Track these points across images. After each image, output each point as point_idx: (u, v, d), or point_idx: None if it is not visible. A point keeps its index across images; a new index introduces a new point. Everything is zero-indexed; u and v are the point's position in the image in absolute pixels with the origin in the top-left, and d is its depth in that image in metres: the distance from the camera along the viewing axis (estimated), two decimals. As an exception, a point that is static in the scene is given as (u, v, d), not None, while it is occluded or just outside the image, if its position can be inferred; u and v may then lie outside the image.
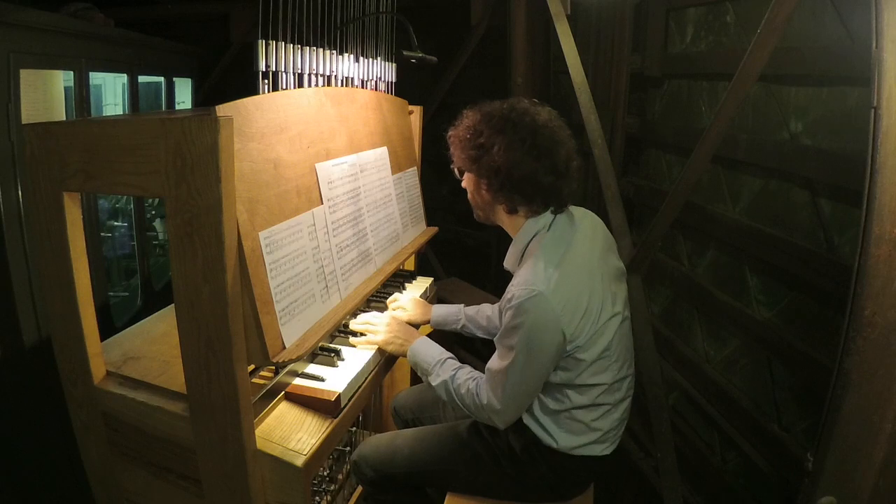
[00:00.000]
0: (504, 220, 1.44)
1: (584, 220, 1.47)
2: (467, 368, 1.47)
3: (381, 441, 1.63)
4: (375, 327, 1.59)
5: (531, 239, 1.39)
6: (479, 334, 1.82)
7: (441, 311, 1.84)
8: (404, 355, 1.57)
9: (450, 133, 1.45)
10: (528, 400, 1.39)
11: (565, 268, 1.30)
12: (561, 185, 1.35)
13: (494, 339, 1.39)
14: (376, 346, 1.56)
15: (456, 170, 1.49)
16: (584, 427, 1.41)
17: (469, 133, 1.38)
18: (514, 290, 1.29)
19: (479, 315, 1.81)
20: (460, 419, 1.62)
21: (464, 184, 1.48)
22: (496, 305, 1.79)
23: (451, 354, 1.52)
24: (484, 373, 1.40)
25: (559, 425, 1.41)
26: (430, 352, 1.52)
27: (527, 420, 1.45)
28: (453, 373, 1.46)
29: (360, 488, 2.04)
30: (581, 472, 1.47)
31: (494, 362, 1.37)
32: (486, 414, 1.38)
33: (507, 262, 1.46)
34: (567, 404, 1.39)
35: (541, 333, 1.27)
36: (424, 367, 1.50)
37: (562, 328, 1.27)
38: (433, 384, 1.48)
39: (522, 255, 1.40)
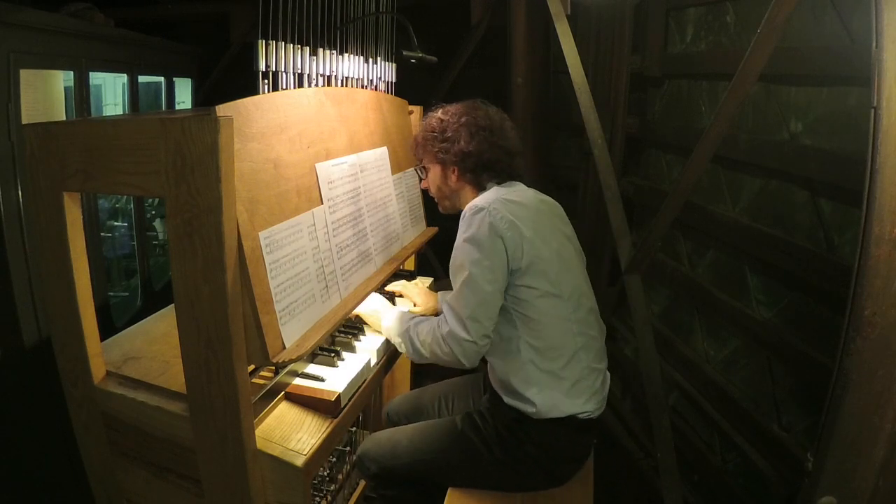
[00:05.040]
0: (470, 200, 1.56)
1: (543, 196, 1.62)
2: (435, 318, 1.52)
3: (382, 436, 1.67)
4: (384, 312, 1.67)
5: (486, 193, 1.56)
6: None
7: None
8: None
9: (416, 137, 1.67)
10: (487, 319, 1.39)
11: (510, 198, 1.47)
12: (515, 163, 1.60)
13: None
14: (362, 343, 1.62)
15: (419, 170, 1.71)
16: (554, 377, 1.43)
17: (433, 133, 1.60)
18: (462, 213, 1.48)
19: None
20: (456, 415, 1.63)
21: (423, 184, 1.70)
22: None
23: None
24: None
25: (529, 382, 1.44)
26: (403, 319, 1.59)
27: (507, 400, 1.48)
28: (418, 320, 1.53)
29: (360, 488, 2.04)
30: (565, 443, 1.48)
31: (452, 290, 1.45)
32: (450, 347, 1.40)
33: None
34: (527, 352, 1.43)
35: (484, 240, 1.39)
36: (396, 328, 1.55)
37: (502, 238, 1.39)
38: (399, 334, 1.53)
39: None
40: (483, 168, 1.55)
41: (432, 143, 1.60)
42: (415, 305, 1.86)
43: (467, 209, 1.46)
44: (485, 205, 1.42)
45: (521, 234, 1.40)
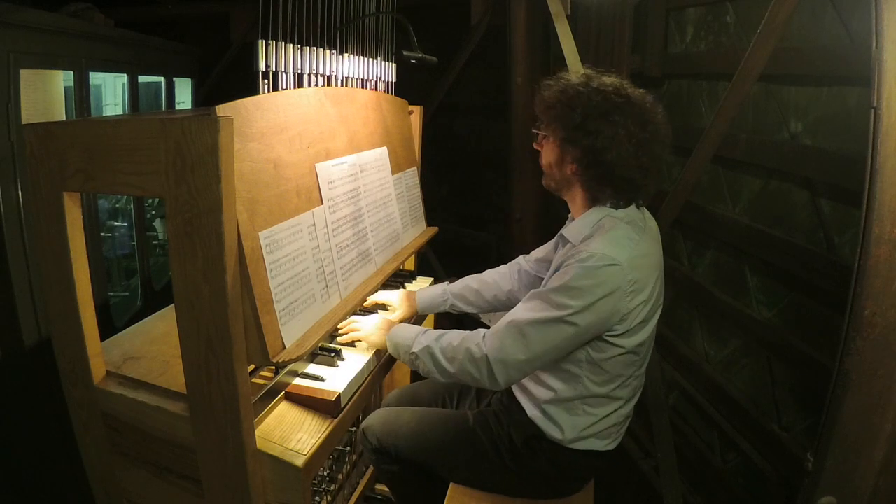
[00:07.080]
0: (577, 200, 1.40)
1: (651, 219, 1.45)
2: (456, 330, 1.41)
3: (388, 414, 1.63)
4: (359, 323, 1.56)
5: (603, 217, 1.34)
6: (469, 310, 1.81)
7: (425, 295, 1.79)
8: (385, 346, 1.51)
9: (545, 93, 1.37)
10: (543, 364, 1.32)
11: (640, 252, 1.28)
12: (650, 184, 1.34)
13: (536, 291, 1.32)
14: (362, 342, 1.54)
15: (537, 131, 1.42)
16: (594, 419, 1.40)
17: (569, 108, 1.30)
18: (590, 252, 1.24)
19: (465, 290, 1.79)
20: (469, 410, 1.62)
21: (536, 145, 1.43)
22: (480, 275, 1.80)
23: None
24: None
25: (570, 413, 1.40)
26: (409, 329, 1.47)
27: (532, 414, 1.45)
28: (440, 335, 1.40)
29: (360, 488, 2.04)
30: (580, 467, 1.47)
31: (525, 313, 1.29)
32: (489, 369, 1.30)
33: (570, 233, 1.38)
34: (583, 392, 1.37)
35: (602, 303, 1.23)
36: (405, 343, 1.43)
37: (620, 307, 1.25)
38: (415, 350, 1.39)
39: (592, 231, 1.34)
40: (608, 181, 1.31)
41: (563, 120, 1.31)
42: (393, 309, 1.74)
43: (594, 253, 1.24)
44: (617, 260, 1.22)
45: (639, 304, 1.28)
